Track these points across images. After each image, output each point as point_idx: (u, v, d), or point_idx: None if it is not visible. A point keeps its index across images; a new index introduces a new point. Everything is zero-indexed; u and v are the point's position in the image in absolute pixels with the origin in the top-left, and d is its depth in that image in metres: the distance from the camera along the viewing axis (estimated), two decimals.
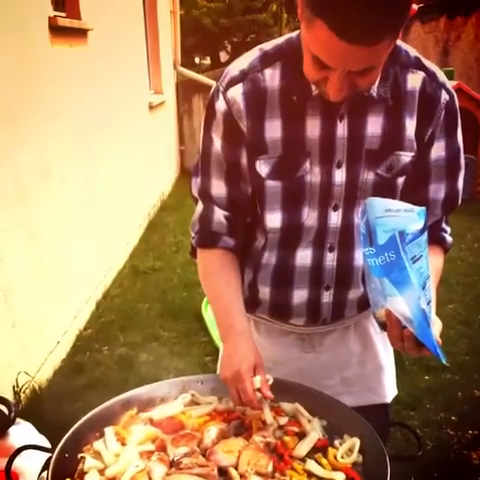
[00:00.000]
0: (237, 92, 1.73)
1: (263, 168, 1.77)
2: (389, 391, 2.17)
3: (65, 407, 3.97)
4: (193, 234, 1.97)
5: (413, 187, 1.85)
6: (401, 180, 1.81)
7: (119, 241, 7.28)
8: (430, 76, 1.75)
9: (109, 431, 1.70)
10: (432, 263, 1.54)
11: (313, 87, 1.66)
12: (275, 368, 1.95)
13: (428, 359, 4.41)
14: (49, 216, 4.82)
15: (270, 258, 1.93)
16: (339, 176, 1.77)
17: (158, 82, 10.77)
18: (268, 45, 1.77)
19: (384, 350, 2.12)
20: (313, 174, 1.76)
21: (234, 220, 1.89)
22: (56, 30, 4.98)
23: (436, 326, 1.52)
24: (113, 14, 7.11)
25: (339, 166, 1.76)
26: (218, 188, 1.86)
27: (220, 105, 1.75)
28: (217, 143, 1.80)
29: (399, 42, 1.68)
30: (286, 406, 1.81)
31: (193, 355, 5.05)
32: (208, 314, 5.51)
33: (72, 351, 5.21)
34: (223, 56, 27.97)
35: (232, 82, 1.74)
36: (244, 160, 1.80)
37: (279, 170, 1.77)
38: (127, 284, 6.74)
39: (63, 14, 5.55)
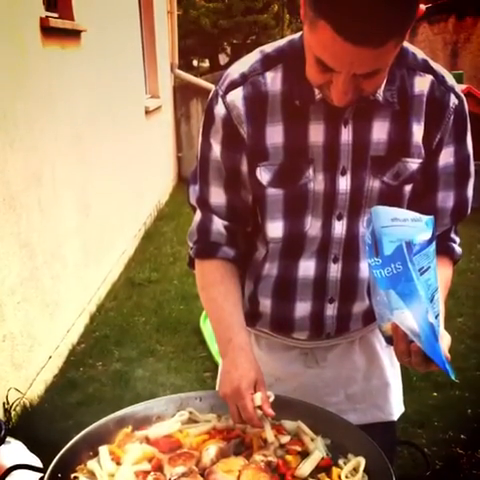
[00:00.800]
0: (237, 96, 1.72)
1: (264, 175, 1.77)
2: (396, 408, 2.16)
3: (57, 425, 3.97)
4: (191, 244, 1.97)
5: (421, 195, 1.85)
6: (408, 188, 1.81)
7: (114, 252, 7.28)
8: (438, 79, 1.75)
9: (103, 450, 1.70)
10: (440, 275, 1.54)
11: (316, 91, 1.65)
12: (277, 384, 1.95)
13: (436, 375, 4.40)
14: (40, 225, 4.83)
15: (271, 269, 1.93)
16: (343, 184, 1.76)
17: (154, 86, 10.80)
18: (269, 47, 1.77)
19: (390, 365, 2.12)
20: (316, 182, 1.76)
21: (234, 230, 1.89)
22: (48, 31, 5.00)
23: (445, 340, 1.52)
24: (107, 14, 7.14)
25: (343, 173, 1.75)
26: (217, 196, 1.86)
27: (219, 110, 1.75)
28: (216, 149, 1.80)
29: (406, 44, 1.68)
30: (288, 424, 1.81)
31: (191, 371, 5.05)
32: (207, 328, 5.51)
33: (65, 367, 5.21)
34: (222, 58, 28.05)
35: (232, 86, 1.74)
36: (244, 167, 1.80)
37: (281, 177, 1.76)
38: (122, 296, 6.74)
39: (55, 14, 5.57)
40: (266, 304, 1.97)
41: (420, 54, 1.76)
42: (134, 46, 9.05)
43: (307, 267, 1.88)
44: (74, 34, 5.82)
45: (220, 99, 1.75)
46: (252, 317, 2.00)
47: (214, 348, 5.19)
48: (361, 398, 2.09)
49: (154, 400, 1.92)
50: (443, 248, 1.87)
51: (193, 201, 1.95)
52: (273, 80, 1.72)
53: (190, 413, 1.87)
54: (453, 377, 1.45)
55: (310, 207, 1.79)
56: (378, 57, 1.42)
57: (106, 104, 6.94)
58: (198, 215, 1.93)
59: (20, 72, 4.50)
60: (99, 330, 5.89)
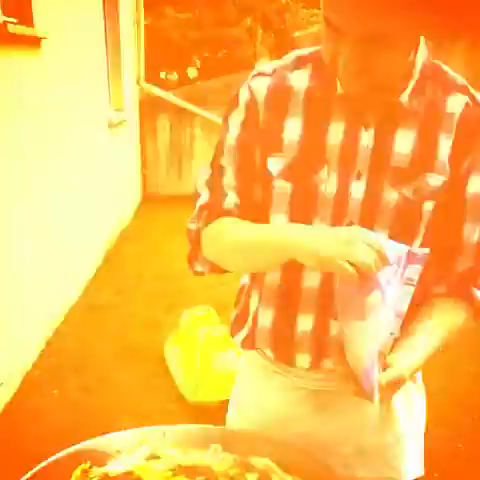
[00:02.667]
0: (262, 84, 1.80)
1: (274, 165, 1.78)
2: (411, 468, 2.05)
3: (8, 460, 3.90)
4: (194, 225, 1.89)
5: (445, 224, 1.79)
6: (428, 206, 1.75)
7: (72, 273, 7.24)
8: (475, 101, 1.74)
9: None
10: (448, 316, 1.52)
11: (339, 86, 1.69)
12: (278, 428, 1.89)
13: None
14: None
15: (274, 278, 1.89)
16: (357, 190, 1.74)
17: (119, 98, 10.79)
18: (306, 51, 1.85)
19: (408, 416, 2.03)
20: (329, 184, 1.74)
21: (244, 211, 1.83)
22: (6, 38, 4.97)
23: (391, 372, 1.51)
24: (70, 22, 7.13)
25: (358, 178, 1.74)
26: (231, 178, 1.85)
27: (244, 94, 1.83)
28: (234, 132, 1.84)
29: (448, 68, 1.76)
30: (256, 461, 1.77)
31: (155, 402, 5.01)
32: (172, 356, 5.47)
33: (18, 395, 5.15)
34: (192, 72, 28.15)
35: (259, 75, 1.83)
36: (258, 155, 1.82)
37: (292, 170, 1.76)
38: (81, 321, 6.69)
39: (14, 20, 5.53)
40: (267, 315, 1.93)
41: (461, 79, 1.78)
42: (98, 56, 9.04)
43: (312, 277, 1.84)
44: (34, 41, 5.80)
45: (246, 85, 1.83)
46: (252, 333, 1.97)
47: (179, 378, 5.16)
48: (373, 453, 1.99)
49: (114, 433, 1.88)
50: (463, 292, 1.79)
51: (201, 183, 1.91)
52: (300, 76, 1.79)
53: (153, 448, 1.83)
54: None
55: (318, 212, 1.77)
56: (387, 18, 1.44)
57: (66, 116, 6.92)
58: (205, 194, 1.88)
59: None
60: (55, 356, 5.85)
